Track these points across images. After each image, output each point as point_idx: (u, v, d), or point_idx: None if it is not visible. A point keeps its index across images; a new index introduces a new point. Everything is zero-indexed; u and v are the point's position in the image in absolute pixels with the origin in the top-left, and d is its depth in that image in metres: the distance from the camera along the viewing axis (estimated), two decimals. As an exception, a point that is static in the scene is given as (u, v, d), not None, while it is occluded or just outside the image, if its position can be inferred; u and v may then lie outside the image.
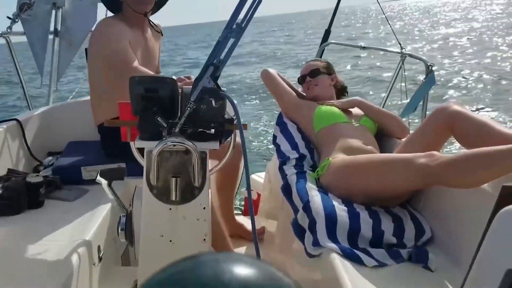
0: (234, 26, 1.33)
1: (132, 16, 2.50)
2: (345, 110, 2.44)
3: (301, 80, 2.62)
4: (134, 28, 2.52)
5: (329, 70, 2.62)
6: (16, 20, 3.24)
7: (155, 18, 2.75)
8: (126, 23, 2.47)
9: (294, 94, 2.58)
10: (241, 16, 1.39)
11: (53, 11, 3.34)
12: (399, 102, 3.52)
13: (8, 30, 3.21)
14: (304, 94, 2.62)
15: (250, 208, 1.42)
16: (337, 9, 3.80)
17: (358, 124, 2.36)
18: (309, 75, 2.58)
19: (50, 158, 2.72)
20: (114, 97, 2.38)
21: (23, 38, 3.30)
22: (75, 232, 1.90)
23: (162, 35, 2.78)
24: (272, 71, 2.65)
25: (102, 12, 3.36)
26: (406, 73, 3.27)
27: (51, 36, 3.37)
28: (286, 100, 2.55)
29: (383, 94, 3.65)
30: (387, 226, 1.78)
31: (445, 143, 2.08)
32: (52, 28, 3.36)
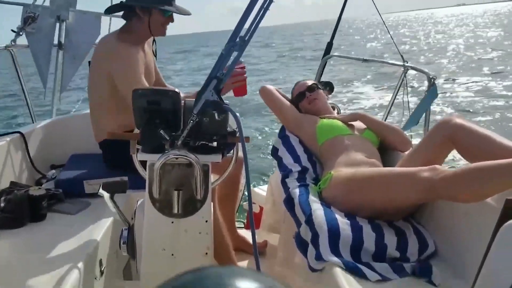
0: (237, 39, 1.33)
1: (144, 37, 2.49)
2: (348, 123, 2.44)
3: (300, 97, 2.60)
4: (139, 46, 2.48)
5: (321, 86, 2.66)
6: (21, 33, 3.28)
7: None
8: (134, 43, 2.43)
9: (295, 108, 2.58)
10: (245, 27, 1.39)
11: (57, 24, 3.37)
12: (402, 116, 3.51)
13: (12, 43, 3.25)
14: (304, 111, 2.60)
15: (251, 221, 1.41)
16: (339, 22, 3.78)
17: (361, 137, 2.36)
18: (308, 91, 2.58)
19: (53, 171, 2.73)
20: (117, 117, 2.39)
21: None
22: (77, 245, 1.89)
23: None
24: (270, 87, 2.66)
25: (105, 25, 3.41)
26: (408, 86, 3.27)
27: (54, 49, 3.40)
28: (287, 115, 2.54)
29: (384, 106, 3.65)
30: (390, 240, 1.77)
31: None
32: (56, 41, 3.39)
